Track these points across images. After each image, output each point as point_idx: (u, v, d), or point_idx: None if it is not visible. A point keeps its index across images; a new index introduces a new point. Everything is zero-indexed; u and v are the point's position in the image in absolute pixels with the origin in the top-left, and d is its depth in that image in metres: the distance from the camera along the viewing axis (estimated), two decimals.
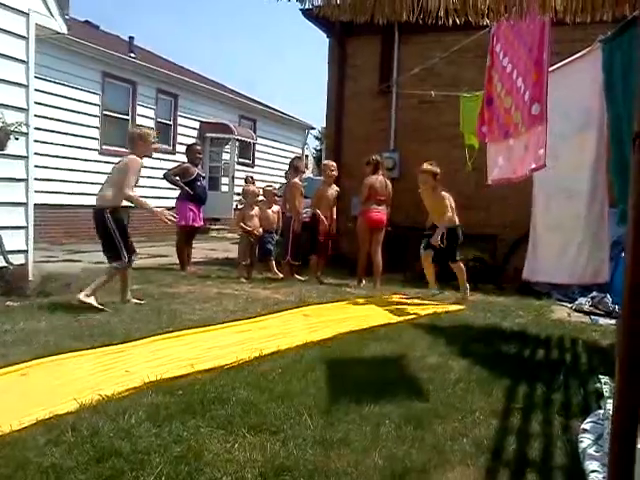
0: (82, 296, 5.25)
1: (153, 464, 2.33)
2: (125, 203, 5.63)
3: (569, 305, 6.66)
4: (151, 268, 8.05)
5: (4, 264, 5.76)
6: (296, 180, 8.38)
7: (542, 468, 2.54)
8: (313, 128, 24.75)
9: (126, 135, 6.96)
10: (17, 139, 5.73)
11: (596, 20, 2.93)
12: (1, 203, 6.05)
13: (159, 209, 5.72)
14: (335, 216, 8.25)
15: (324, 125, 11.87)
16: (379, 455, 2.53)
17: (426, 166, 6.81)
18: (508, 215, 8.19)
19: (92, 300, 5.27)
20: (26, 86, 6.28)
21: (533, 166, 4.01)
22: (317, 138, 32.35)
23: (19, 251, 6.16)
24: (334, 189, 8.13)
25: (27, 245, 6.34)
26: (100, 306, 5.25)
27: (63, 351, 3.77)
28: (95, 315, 5.01)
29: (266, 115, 20.08)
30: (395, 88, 9.38)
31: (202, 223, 8.78)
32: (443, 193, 6.74)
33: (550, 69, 4.13)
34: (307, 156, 26.30)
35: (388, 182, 7.83)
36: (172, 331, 4.51)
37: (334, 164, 8.31)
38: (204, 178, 9.03)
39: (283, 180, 12.41)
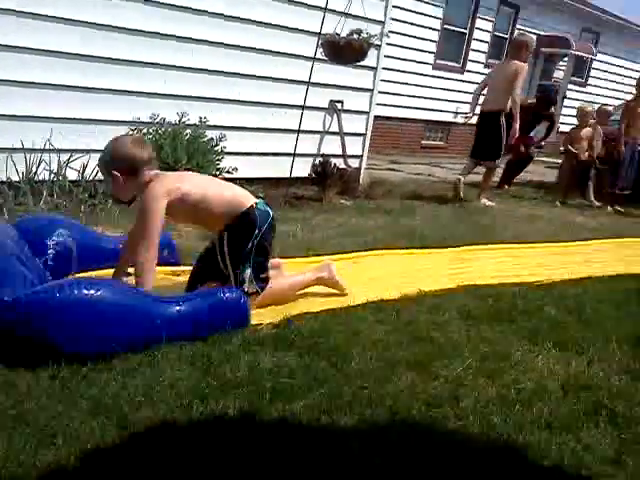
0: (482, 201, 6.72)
1: (463, 356, 2.61)
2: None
3: None
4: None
5: (344, 166, 6.52)
6: (629, 100, 7.67)
7: None
8: None
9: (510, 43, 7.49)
10: (378, 48, 6.20)
11: None
12: (349, 111, 6.74)
13: None
14: None
15: None
16: None
17: None
18: None
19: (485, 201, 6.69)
20: None
21: None
22: None
23: (356, 156, 6.88)
24: None
25: (362, 151, 7.03)
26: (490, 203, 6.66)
27: (389, 247, 4.29)
28: (412, 221, 5.47)
29: (613, 28, 17.26)
30: None
31: None
32: None
33: None
34: None
35: None
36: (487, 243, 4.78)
37: None
38: None
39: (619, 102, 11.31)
